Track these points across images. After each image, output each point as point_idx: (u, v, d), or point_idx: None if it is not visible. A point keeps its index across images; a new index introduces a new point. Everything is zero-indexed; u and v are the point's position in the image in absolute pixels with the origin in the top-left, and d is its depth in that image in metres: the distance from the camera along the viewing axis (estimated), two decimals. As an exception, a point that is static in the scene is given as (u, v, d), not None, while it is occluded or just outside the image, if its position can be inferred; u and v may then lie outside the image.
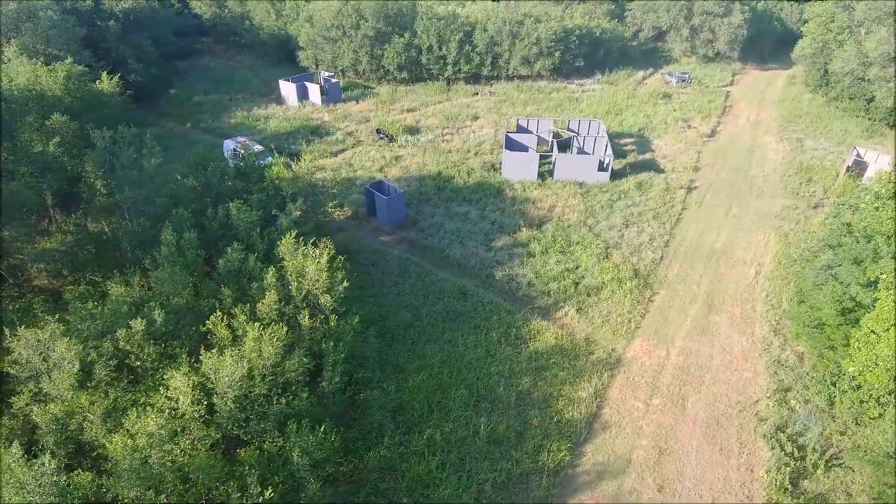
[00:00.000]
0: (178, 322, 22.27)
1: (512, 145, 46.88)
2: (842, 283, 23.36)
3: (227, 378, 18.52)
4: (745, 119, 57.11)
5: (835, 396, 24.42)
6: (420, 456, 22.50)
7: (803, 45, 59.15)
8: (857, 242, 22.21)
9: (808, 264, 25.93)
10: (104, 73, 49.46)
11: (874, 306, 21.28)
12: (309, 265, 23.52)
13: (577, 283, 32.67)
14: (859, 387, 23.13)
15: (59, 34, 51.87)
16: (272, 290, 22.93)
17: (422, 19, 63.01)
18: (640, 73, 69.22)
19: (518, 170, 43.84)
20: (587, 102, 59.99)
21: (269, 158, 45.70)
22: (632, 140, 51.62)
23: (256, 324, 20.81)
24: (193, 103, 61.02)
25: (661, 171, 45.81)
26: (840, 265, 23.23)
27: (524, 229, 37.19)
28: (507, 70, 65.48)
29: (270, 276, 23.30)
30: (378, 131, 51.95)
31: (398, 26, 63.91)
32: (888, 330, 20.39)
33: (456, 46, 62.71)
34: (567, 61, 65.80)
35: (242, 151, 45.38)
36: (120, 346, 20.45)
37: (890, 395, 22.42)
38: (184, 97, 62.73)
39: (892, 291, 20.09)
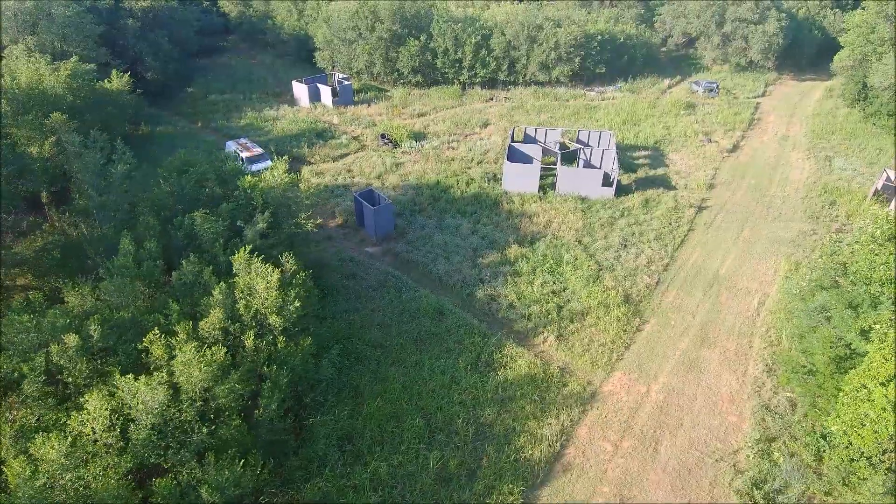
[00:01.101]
0: (119, 337, 21.62)
1: (515, 156, 45.17)
2: (835, 327, 21.06)
3: (141, 404, 17.69)
4: (772, 134, 53.85)
5: (824, 451, 22.10)
6: (360, 491, 21.29)
7: (842, 56, 55.48)
8: (854, 285, 19.92)
9: (803, 302, 23.60)
10: (115, 72, 49.92)
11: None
12: (259, 283, 22.58)
13: (560, 307, 30.89)
14: (851, 443, 20.83)
15: (75, 32, 52.54)
16: (218, 308, 22.09)
17: (437, 22, 61.72)
18: (666, 82, 66.31)
19: (519, 182, 42.15)
20: (605, 111, 57.68)
21: (268, 162, 45.38)
22: (646, 153, 49.21)
23: (190, 345, 19.96)
24: (208, 102, 61.26)
25: (672, 188, 43.38)
26: (834, 308, 20.94)
27: (514, 246, 35.54)
28: (525, 75, 63.65)
29: (218, 292, 22.46)
30: (383, 136, 50.97)
31: (415, 28, 62.84)
32: (881, 386, 18.14)
33: (472, 50, 61.26)
34: (587, 67, 63.49)
35: (242, 154, 45.36)
36: (53, 361, 19.92)
37: (884, 454, 20.06)
38: (200, 96, 63.09)
39: (886, 344, 17.84)
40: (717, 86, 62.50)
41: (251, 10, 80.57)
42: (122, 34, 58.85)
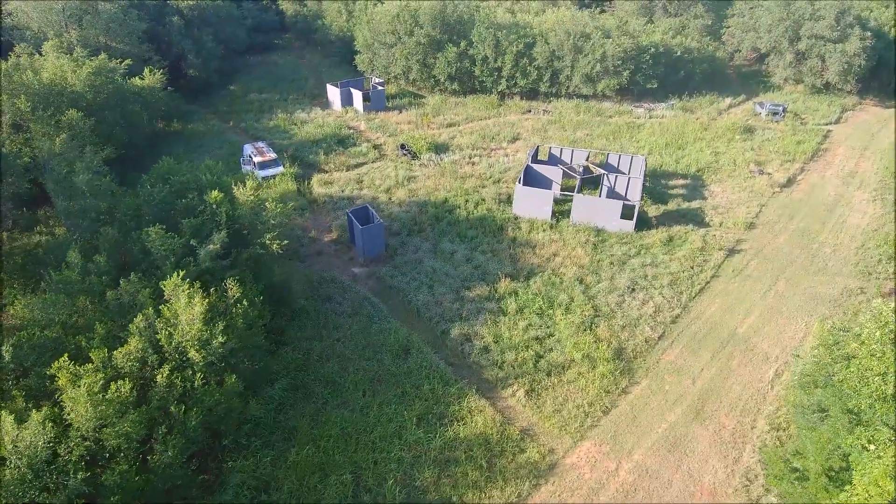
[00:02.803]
0: (37, 358, 20.77)
1: (532, 178, 41.99)
2: (832, 433, 17.10)
3: (12, 445, 16.52)
4: (837, 168, 47.64)
5: (808, 582, 18.14)
6: (258, 554, 19.43)
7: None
8: (856, 392, 15.92)
9: (801, 393, 19.52)
10: (147, 68, 50.63)
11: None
12: (181, 313, 21.12)
13: (540, 357, 27.78)
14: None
15: (119, 27, 53.84)
16: (136, 338, 20.81)
17: (478, 28, 59.05)
18: (727, 101, 60.51)
19: (531, 207, 39.04)
20: (649, 131, 53.16)
21: (280, 168, 44.57)
22: (684, 182, 44.64)
23: (92, 377, 18.73)
24: (246, 101, 61.57)
25: (705, 225, 38.89)
26: (832, 409, 16.97)
27: (506, 280, 32.61)
28: (568, 88, 59.90)
29: (140, 320, 21.18)
30: (402, 147, 49.04)
31: (456, 34, 60.48)
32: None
33: (512, 59, 58.19)
34: (637, 82, 58.91)
35: (255, 158, 44.73)
36: (-41, 381, 19.27)
37: None
38: (240, 94, 63.56)
39: (875, 473, 13.99)
40: (784, 108, 56.27)
41: (305, 8, 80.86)
42: (167, 31, 59.97)
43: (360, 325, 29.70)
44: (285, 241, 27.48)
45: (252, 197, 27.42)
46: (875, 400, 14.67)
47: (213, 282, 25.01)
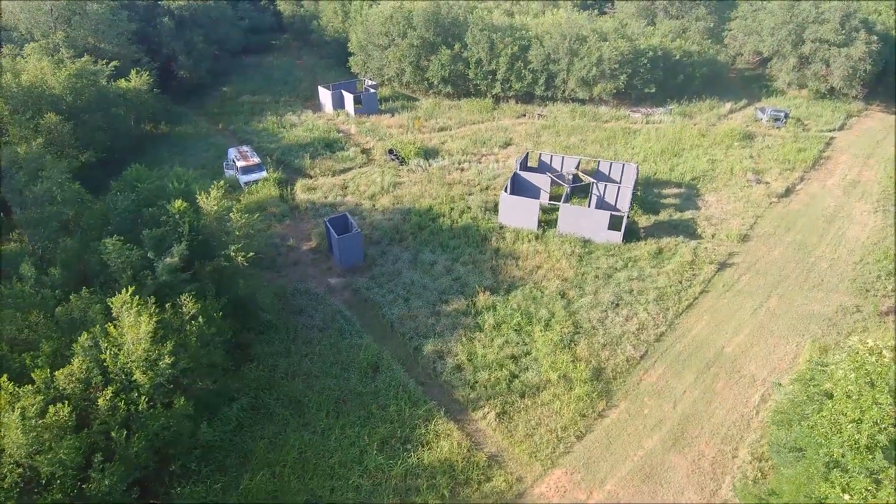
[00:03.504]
0: (-22, 377, 19.87)
1: (520, 186, 40.82)
2: (807, 476, 15.84)
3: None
4: (839, 177, 46.04)
5: None
6: (199, 590, 18.44)
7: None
8: (827, 439, 14.61)
9: (777, 429, 18.25)
10: (133, 70, 49.88)
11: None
12: (127, 333, 20.17)
13: (514, 377, 26.63)
14: None
15: (108, 29, 53.12)
16: (80, 358, 19.89)
17: (472, 30, 57.86)
18: (728, 106, 58.86)
19: (517, 217, 37.86)
20: (644, 137, 51.75)
21: (263, 172, 43.65)
22: (678, 191, 43.25)
23: (30, 399, 17.83)
24: (237, 103, 60.71)
25: (696, 237, 37.53)
26: (806, 451, 15.71)
27: (485, 293, 31.46)
28: (564, 91, 58.53)
29: (84, 339, 20.25)
30: (390, 152, 47.99)
31: (450, 36, 59.30)
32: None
33: (506, 62, 56.94)
34: (635, 86, 57.48)
35: (238, 163, 43.84)
36: None
37: None
38: (232, 96, 62.70)
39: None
40: (786, 114, 54.62)
41: (302, 9, 79.97)
42: (158, 32, 59.25)
43: (330, 341, 28.67)
44: (251, 254, 26.44)
45: (216, 207, 26.40)
46: (848, 449, 13.42)
47: (172, 296, 24.08)
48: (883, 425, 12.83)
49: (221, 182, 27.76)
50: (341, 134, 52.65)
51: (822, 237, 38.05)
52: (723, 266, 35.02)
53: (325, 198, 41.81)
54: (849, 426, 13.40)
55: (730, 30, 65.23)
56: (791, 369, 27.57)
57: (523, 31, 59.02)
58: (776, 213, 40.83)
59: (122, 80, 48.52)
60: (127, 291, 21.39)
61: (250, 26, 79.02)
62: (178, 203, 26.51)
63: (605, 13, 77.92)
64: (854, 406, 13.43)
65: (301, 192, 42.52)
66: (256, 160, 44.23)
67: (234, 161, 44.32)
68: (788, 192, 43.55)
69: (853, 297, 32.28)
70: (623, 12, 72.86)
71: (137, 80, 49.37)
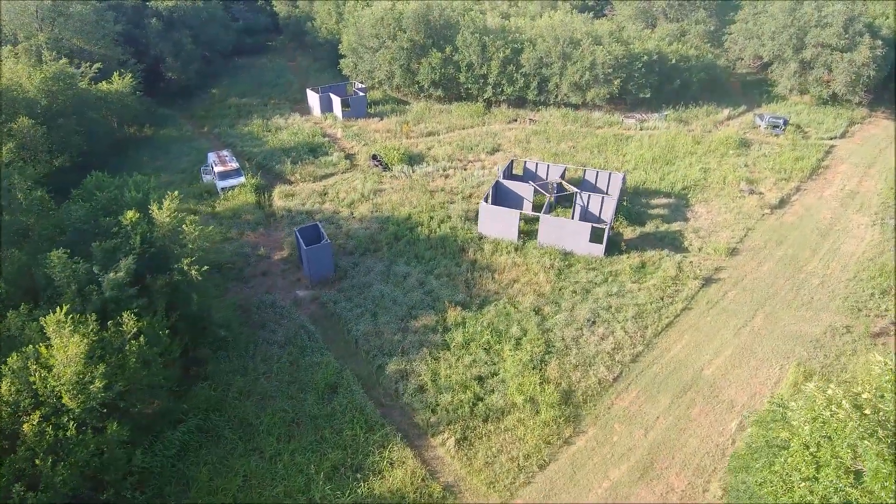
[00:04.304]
0: None
1: (503, 195, 39.56)
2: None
3: None
4: (837, 188, 44.34)
5: None
6: None
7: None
8: (779, 495, 13.21)
9: (738, 477, 16.84)
10: (116, 73, 49.14)
11: None
12: (57, 354, 19.16)
13: (479, 400, 25.39)
14: None
15: (94, 30, 52.46)
16: (7, 380, 18.91)
17: (463, 33, 56.63)
18: (726, 112, 57.26)
19: (496, 227, 36.62)
20: (637, 144, 50.29)
21: (241, 178, 42.70)
22: (667, 202, 41.78)
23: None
24: (224, 105, 59.94)
25: (683, 250, 36.10)
26: None
27: (457, 309, 30.24)
28: (557, 96, 57.16)
29: (14, 360, 19.27)
30: (374, 157, 46.88)
31: (442, 38, 58.11)
32: None
33: (498, 65, 55.68)
34: (629, 91, 56.01)
35: (216, 168, 42.91)
36: None
37: None
38: (220, 98, 61.92)
39: None
40: (785, 121, 52.92)
41: (297, 10, 79.14)
42: (145, 33, 58.53)
43: (290, 358, 27.56)
44: (205, 267, 25.38)
45: (168, 218, 25.37)
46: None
47: (118, 312, 23.05)
48: (840, 485, 11.44)
49: (175, 192, 26.66)
50: (327, 138, 51.62)
51: (815, 252, 36.47)
52: (708, 281, 33.57)
53: (303, 205, 40.76)
54: (802, 486, 12.03)
55: (730, 33, 63.49)
56: (772, 394, 26.10)
57: (516, 35, 57.70)
58: (768, 226, 39.27)
59: (104, 82, 47.81)
60: (61, 310, 20.38)
61: (245, 27, 78.37)
62: (130, 214, 25.53)
63: (603, 15, 76.46)
64: (810, 461, 12.05)
65: (279, 199, 41.50)
66: (235, 165, 43.28)
67: (212, 166, 43.43)
68: (783, 203, 41.94)
69: (844, 317, 30.73)
70: (622, 14, 71.38)
71: (120, 83, 48.66)
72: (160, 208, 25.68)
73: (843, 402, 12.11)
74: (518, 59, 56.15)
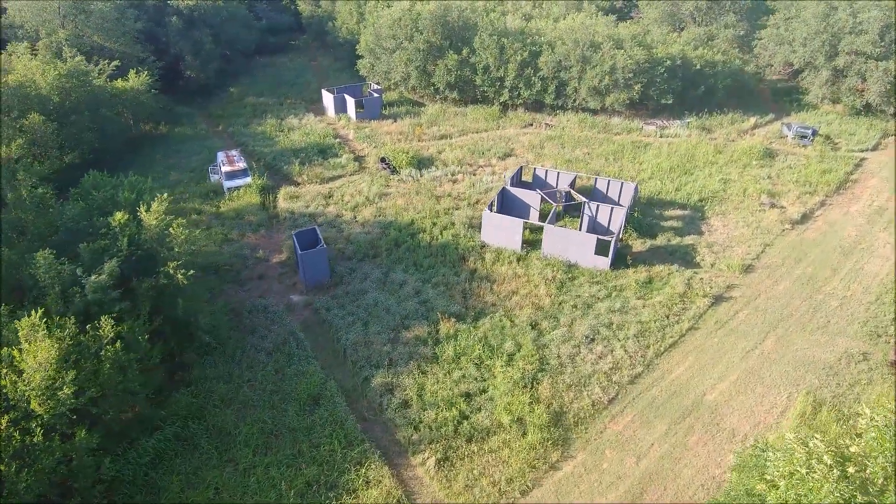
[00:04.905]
0: None
1: (509, 202, 38.53)
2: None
3: None
4: (864, 203, 42.04)
5: None
6: None
7: None
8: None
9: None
10: (132, 71, 49.55)
11: None
12: (27, 359, 18.93)
13: (464, 418, 24.47)
14: None
15: (114, 27, 53.07)
16: (-24, 383, 18.77)
17: (481, 35, 55.63)
18: (752, 120, 55.04)
19: (499, 236, 35.62)
20: (655, 152, 48.62)
21: (248, 178, 42.54)
22: (681, 214, 40.15)
23: None
24: (241, 104, 60.11)
25: (694, 266, 34.54)
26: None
27: (451, 320, 29.36)
28: (575, 100, 55.73)
29: (-16, 363, 19.13)
30: (383, 160, 46.30)
31: (460, 40, 57.21)
32: None
33: (515, 68, 54.52)
34: (651, 97, 54.27)
35: (223, 168, 42.86)
36: None
37: None
38: (237, 97, 62.13)
39: None
40: (814, 131, 50.54)
41: (320, 9, 79.16)
42: (166, 31, 59.04)
43: (276, 366, 27.07)
44: (191, 272, 25.02)
45: (155, 221, 25.09)
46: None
47: (101, 315, 22.82)
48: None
49: (165, 195, 26.39)
50: (338, 140, 51.22)
51: (836, 271, 34.50)
52: (718, 300, 31.99)
53: (307, 207, 40.37)
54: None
55: (760, 38, 61.05)
56: (777, 425, 24.60)
57: (535, 37, 56.42)
58: (788, 242, 37.37)
59: (120, 79, 48.25)
60: (36, 313, 20.18)
61: (268, 26, 78.68)
62: (119, 215, 25.35)
63: (630, 18, 74.57)
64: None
65: (283, 201, 41.19)
66: (242, 165, 43.14)
67: (220, 165, 43.39)
68: (805, 218, 39.92)
69: (862, 343, 28.88)
70: (648, 17, 69.43)
71: (136, 80, 49.04)
72: (148, 210, 25.39)
73: (825, 456, 10.82)
74: (536, 62, 54.88)
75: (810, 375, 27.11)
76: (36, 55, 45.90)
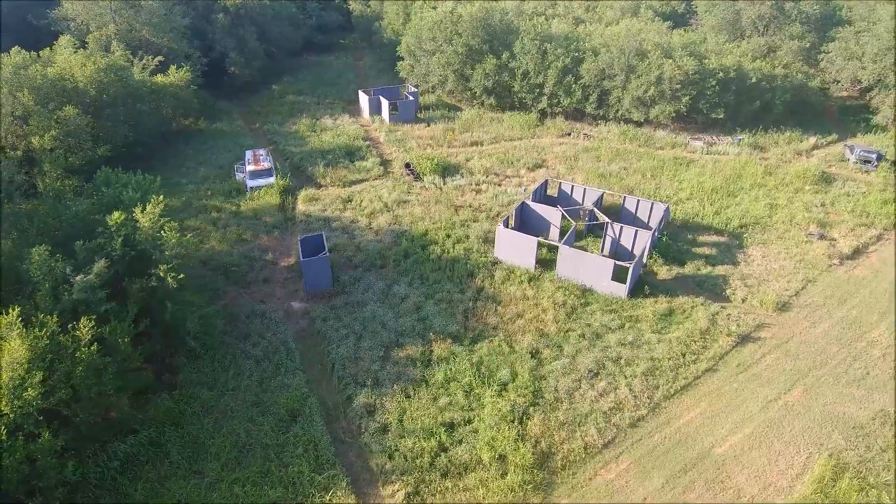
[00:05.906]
0: None
1: (527, 218, 36.81)
2: None
3: None
4: (929, 239, 37.85)
5: None
6: None
7: None
8: None
9: None
10: (172, 66, 50.56)
11: None
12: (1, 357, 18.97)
13: (443, 450, 23.12)
14: None
15: (162, 23, 54.45)
16: (-55, 380, 18.93)
17: (523, 39, 53.83)
18: (812, 140, 50.89)
19: (513, 253, 34.00)
20: (698, 170, 45.53)
21: (271, 179, 42.53)
22: (717, 240, 37.26)
23: None
24: (281, 102, 60.61)
25: (722, 300, 31.84)
26: None
27: (447, 341, 28.03)
28: (618, 111, 53.11)
29: (-46, 360, 19.28)
30: (408, 166, 45.38)
31: (501, 44, 55.63)
32: None
33: (556, 75, 52.45)
34: (700, 110, 51.04)
35: (248, 167, 43.04)
36: None
37: None
38: (279, 95, 62.67)
39: None
40: (880, 156, 46.14)
41: (369, 9, 79.19)
42: (213, 28, 60.18)
43: (263, 375, 26.52)
44: (181, 276, 24.76)
45: (149, 222, 24.96)
46: None
47: (88, 314, 22.83)
48: None
49: (160, 197, 26.25)
50: (368, 142, 50.68)
51: (884, 316, 31.00)
52: (744, 340, 29.26)
53: (324, 211, 39.92)
54: None
55: (827, 52, 56.40)
56: (791, 489, 22.04)
57: (578, 43, 54.13)
58: (833, 279, 33.97)
59: (160, 74, 49.34)
60: (14, 311, 20.26)
61: (317, 25, 79.33)
62: (116, 214, 25.37)
63: (688, 25, 70.75)
64: None
65: (302, 203, 40.89)
66: (268, 165, 43.17)
67: (246, 164, 43.59)
68: (857, 253, 36.25)
69: (903, 403, 25.67)
70: (706, 25, 65.60)
71: (175, 76, 50.04)
72: (143, 211, 25.31)
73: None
74: (577, 69, 52.60)
75: (837, 435, 24.24)
76: (85, 48, 47.53)
